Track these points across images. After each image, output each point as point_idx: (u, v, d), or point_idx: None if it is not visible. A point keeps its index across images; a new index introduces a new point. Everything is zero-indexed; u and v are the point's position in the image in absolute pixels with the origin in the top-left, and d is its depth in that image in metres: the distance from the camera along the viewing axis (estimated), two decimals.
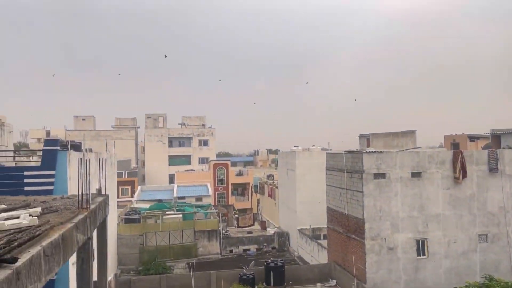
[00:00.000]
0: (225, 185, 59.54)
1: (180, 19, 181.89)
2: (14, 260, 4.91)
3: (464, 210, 25.07)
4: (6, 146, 21.82)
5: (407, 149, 28.40)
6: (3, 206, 9.10)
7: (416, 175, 24.62)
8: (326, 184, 29.26)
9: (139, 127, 78.60)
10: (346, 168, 25.84)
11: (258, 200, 57.58)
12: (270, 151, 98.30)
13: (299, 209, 38.68)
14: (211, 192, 51.05)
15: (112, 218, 29.88)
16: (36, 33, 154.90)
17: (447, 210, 24.84)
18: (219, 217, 39.77)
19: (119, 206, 38.96)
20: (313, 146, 44.59)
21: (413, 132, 33.09)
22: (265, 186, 54.81)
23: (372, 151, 25.21)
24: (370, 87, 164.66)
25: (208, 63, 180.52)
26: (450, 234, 24.76)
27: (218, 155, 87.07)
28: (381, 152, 24.99)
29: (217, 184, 59.11)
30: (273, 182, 54.51)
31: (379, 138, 33.42)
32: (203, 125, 77.07)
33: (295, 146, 45.19)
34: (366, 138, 36.05)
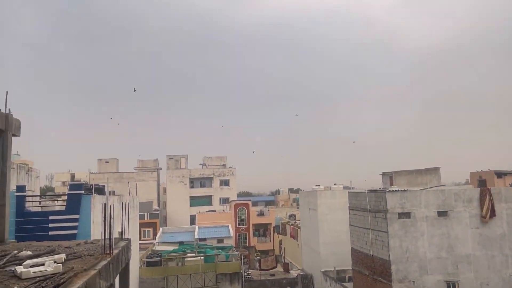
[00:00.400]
0: (246, 226, 58.89)
1: (196, 60, 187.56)
2: None
3: (496, 250, 24.04)
4: (33, 191, 22.36)
5: (431, 187, 27.78)
6: (29, 253, 9.25)
7: (442, 214, 23.93)
8: (350, 224, 28.66)
9: (161, 169, 79.54)
10: (369, 207, 25.35)
11: (280, 241, 56.56)
12: (291, 190, 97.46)
13: (323, 250, 37.76)
14: (232, 233, 50.52)
15: (134, 261, 29.78)
16: (59, 77, 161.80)
17: (478, 250, 23.86)
18: (240, 259, 39.11)
19: (140, 249, 38.86)
20: (335, 184, 44.06)
21: (437, 169, 32.48)
22: (287, 226, 53.98)
23: (396, 190, 24.75)
24: (393, 124, 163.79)
25: (228, 100, 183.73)
26: (482, 276, 23.65)
27: (239, 195, 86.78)
28: (405, 190, 24.51)
29: (238, 225, 58.54)
30: (295, 222, 53.67)
31: (402, 176, 32.88)
32: (224, 165, 77.47)
33: (316, 185, 44.75)
34: (389, 176, 35.51)
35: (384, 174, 36.97)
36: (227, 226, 51.81)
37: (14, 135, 13.32)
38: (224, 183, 74.66)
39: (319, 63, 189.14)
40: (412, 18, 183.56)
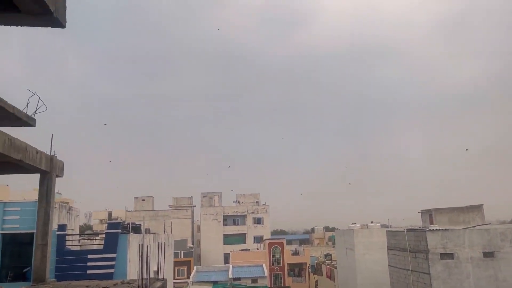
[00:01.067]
0: (281, 265, 57.62)
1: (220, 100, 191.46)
2: None
3: None
4: (73, 229, 22.99)
5: (475, 226, 26.49)
6: None
7: (488, 254, 22.65)
8: (389, 265, 27.55)
9: (195, 206, 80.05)
10: (409, 247, 24.37)
11: (316, 281, 54.86)
12: (326, 229, 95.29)
13: None
14: (266, 272, 49.52)
15: None
16: (95, 116, 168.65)
17: None
18: None
19: None
20: (371, 223, 42.83)
21: (480, 207, 31.08)
22: (323, 266, 52.46)
23: (437, 229, 23.76)
24: (433, 160, 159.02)
25: (261, 140, 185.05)
26: None
27: (273, 233, 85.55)
28: (446, 229, 23.49)
29: (273, 264, 57.37)
30: (331, 262, 52.14)
31: (443, 214, 31.62)
32: (257, 202, 77.10)
33: (352, 224, 43.64)
34: (428, 214, 34.22)
35: (423, 212, 35.63)
36: (261, 266, 50.90)
37: (57, 176, 13.89)
38: (258, 220, 74.05)
39: (347, 98, 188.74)
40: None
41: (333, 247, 60.10)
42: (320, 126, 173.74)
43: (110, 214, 73.63)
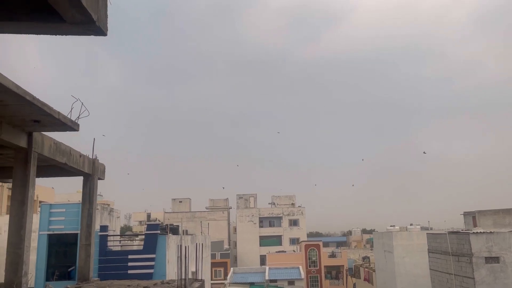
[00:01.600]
0: (318, 268, 57.06)
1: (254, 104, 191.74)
2: None
3: None
4: (114, 230, 23.68)
5: None
6: None
7: None
8: (430, 269, 26.72)
9: (231, 208, 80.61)
10: (451, 250, 23.54)
11: (354, 284, 53.93)
12: (364, 231, 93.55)
13: None
14: (303, 275, 49.16)
15: None
16: (136, 119, 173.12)
17: None
18: None
19: None
20: (411, 225, 41.67)
21: None
22: (361, 269, 51.53)
23: (481, 232, 22.83)
24: (476, 161, 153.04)
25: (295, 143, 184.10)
26: None
27: (309, 235, 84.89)
28: (491, 232, 22.52)
29: (309, 267, 56.90)
30: (369, 265, 51.13)
31: (487, 216, 30.34)
32: (293, 204, 76.73)
33: (391, 226, 42.63)
34: (471, 216, 32.92)
35: (466, 214, 34.32)
36: (298, 268, 50.58)
37: (99, 178, 14.39)
38: (294, 222, 73.67)
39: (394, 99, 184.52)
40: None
41: (371, 249, 58.91)
42: (357, 127, 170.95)
43: (149, 215, 75.41)
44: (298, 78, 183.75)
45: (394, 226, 42.33)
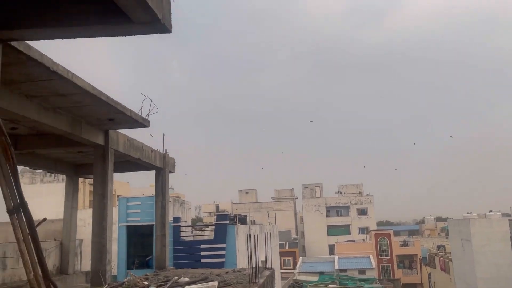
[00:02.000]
0: (389, 257, 55.46)
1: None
2: None
3: None
4: (186, 221, 24.71)
5: None
6: (187, 279, 10.17)
7: None
8: None
9: (297, 198, 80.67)
10: None
11: (429, 274, 51.76)
12: (438, 219, 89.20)
13: (482, 286, 33.36)
14: (374, 264, 48.10)
15: None
16: (201, 114, 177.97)
17: None
18: None
19: (282, 278, 39.47)
20: (490, 212, 39.03)
21: None
22: (436, 258, 49.29)
23: None
24: None
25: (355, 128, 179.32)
26: None
27: (379, 224, 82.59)
28: None
29: (380, 256, 55.46)
30: (444, 254, 48.76)
31: None
32: (360, 193, 75.07)
33: (468, 213, 40.25)
34: None
35: None
36: (368, 257, 49.56)
37: (170, 172, 15.05)
38: (362, 211, 72.12)
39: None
40: None
41: (446, 238, 56.10)
42: (431, 109, 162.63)
43: (217, 206, 77.70)
44: (365, 62, 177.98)
45: (471, 213, 39.92)
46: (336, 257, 49.76)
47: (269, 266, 16.26)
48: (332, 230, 70.88)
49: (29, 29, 4.47)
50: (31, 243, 5.62)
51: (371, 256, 50.28)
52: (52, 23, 4.39)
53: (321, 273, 44.54)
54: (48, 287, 5.86)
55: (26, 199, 5.70)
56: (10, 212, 5.43)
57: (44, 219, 7.13)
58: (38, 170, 23.01)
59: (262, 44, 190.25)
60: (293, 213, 77.15)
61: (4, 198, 5.41)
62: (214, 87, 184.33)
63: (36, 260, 5.70)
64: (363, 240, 62.70)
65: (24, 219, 5.52)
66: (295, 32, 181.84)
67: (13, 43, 5.27)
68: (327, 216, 72.73)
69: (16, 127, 9.32)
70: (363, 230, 69.27)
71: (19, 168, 5.60)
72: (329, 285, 38.00)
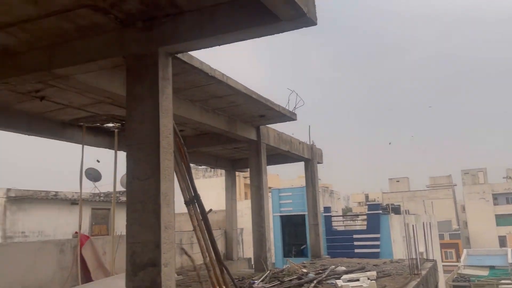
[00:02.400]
0: None
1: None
2: None
3: None
4: (336, 211, 24.77)
5: None
6: (343, 268, 10.22)
7: None
8: None
9: (455, 185, 73.61)
10: None
11: None
12: None
13: None
14: None
15: (440, 283, 28.24)
16: (346, 105, 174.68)
17: None
18: None
19: (444, 271, 36.59)
20: None
21: None
22: None
23: None
24: None
25: None
26: None
27: None
28: None
29: None
30: None
31: None
32: None
33: None
34: None
35: None
36: None
37: (318, 162, 15.26)
38: None
39: None
40: None
41: None
42: None
43: (366, 196, 75.70)
44: None
45: None
46: (509, 250, 43.94)
47: (429, 258, 15.27)
48: (502, 220, 62.69)
49: (192, 41, 5.02)
50: (205, 230, 6.35)
51: None
52: (210, 33, 4.85)
53: (491, 267, 39.92)
54: (221, 270, 6.54)
55: None
56: (187, 203, 6.22)
57: (210, 210, 7.97)
58: (201, 166, 25.61)
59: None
60: (452, 202, 70.59)
61: (182, 191, 6.22)
62: (358, 75, 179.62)
63: (210, 246, 6.41)
64: None
65: (198, 210, 6.27)
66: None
67: (179, 55, 5.99)
68: (495, 204, 64.61)
69: (183, 129, 10.58)
70: None
71: None
72: (502, 281, 33.85)
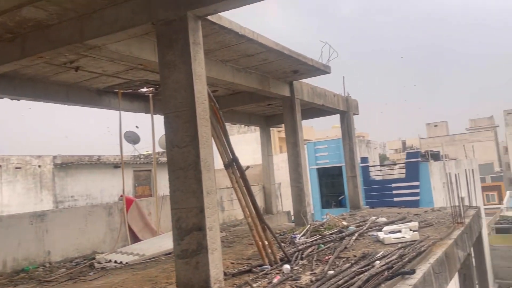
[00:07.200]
0: None
1: None
2: (414, 271, 5.42)
3: None
4: (374, 161, 24.51)
5: None
6: (384, 219, 10.21)
7: None
8: None
9: (498, 126, 70.83)
10: None
11: None
12: None
13: None
14: None
15: (483, 229, 27.98)
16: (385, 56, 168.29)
17: None
18: None
19: (486, 214, 36.08)
20: None
21: None
22: None
23: None
24: None
25: None
26: None
27: None
28: None
29: None
30: None
31: None
32: None
33: None
34: None
35: None
36: None
37: (354, 114, 14.96)
38: None
39: None
40: None
41: None
42: None
43: (403, 143, 74.25)
44: None
45: None
46: None
47: (473, 204, 15.00)
48: None
49: (220, 2, 4.86)
50: (246, 191, 6.45)
51: None
52: None
53: None
54: (263, 228, 6.69)
55: None
56: (226, 166, 6.29)
57: (248, 167, 8.03)
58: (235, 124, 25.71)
59: None
60: (494, 144, 68.27)
61: (220, 154, 6.28)
62: (389, 21, 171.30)
63: (251, 206, 6.53)
64: None
65: (237, 171, 6.34)
66: None
67: (208, 16, 5.84)
68: None
69: (216, 89, 10.54)
70: None
71: None
72: None
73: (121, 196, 10.11)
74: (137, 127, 13.44)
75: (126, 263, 7.80)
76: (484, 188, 46.33)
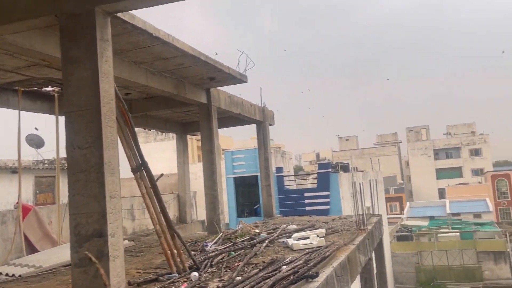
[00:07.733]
0: (509, 199, 51.13)
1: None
2: (317, 275, 5.60)
3: None
4: (288, 171, 25.30)
5: None
6: (294, 227, 10.52)
7: None
8: None
9: (401, 142, 77.32)
10: None
11: None
12: None
13: None
14: (491, 207, 44.87)
15: (385, 236, 30.08)
16: (289, 63, 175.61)
17: None
18: (505, 236, 34.39)
19: (389, 223, 38.92)
20: None
21: None
22: None
23: None
24: None
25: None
26: None
27: (495, 165, 75.91)
28: None
29: (498, 199, 51.38)
30: None
31: None
32: (473, 132, 69.17)
33: None
34: None
35: None
36: (484, 200, 46.32)
37: (270, 124, 15.32)
38: (475, 152, 66.68)
39: None
40: None
41: None
42: None
43: (317, 155, 77.88)
44: None
45: None
46: (447, 201, 47.37)
47: (376, 213, 16.06)
48: (442, 174, 67.11)
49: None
50: (154, 197, 6.23)
51: (487, 199, 46.90)
52: None
53: (431, 217, 42.96)
54: (172, 236, 6.50)
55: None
56: (134, 171, 6.03)
57: (162, 175, 7.80)
58: (151, 130, 25.00)
59: None
60: (397, 158, 74.32)
61: (128, 159, 6.01)
62: (307, 33, 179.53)
63: (160, 212, 6.32)
64: (479, 182, 58.53)
65: (146, 177, 6.11)
66: None
67: (119, 14, 5.60)
68: (435, 159, 68.77)
69: (129, 92, 10.15)
70: (476, 172, 64.51)
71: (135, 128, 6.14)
72: (441, 230, 36.62)
73: (17, 203, 9.23)
74: (36, 129, 12.42)
75: (19, 276, 7.11)
76: (388, 199, 49.99)
